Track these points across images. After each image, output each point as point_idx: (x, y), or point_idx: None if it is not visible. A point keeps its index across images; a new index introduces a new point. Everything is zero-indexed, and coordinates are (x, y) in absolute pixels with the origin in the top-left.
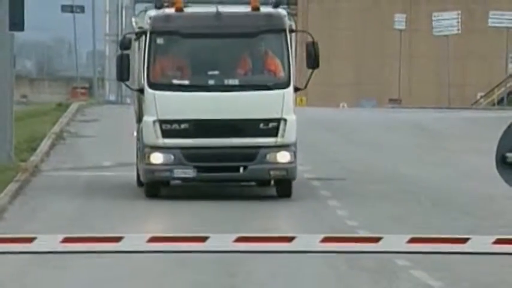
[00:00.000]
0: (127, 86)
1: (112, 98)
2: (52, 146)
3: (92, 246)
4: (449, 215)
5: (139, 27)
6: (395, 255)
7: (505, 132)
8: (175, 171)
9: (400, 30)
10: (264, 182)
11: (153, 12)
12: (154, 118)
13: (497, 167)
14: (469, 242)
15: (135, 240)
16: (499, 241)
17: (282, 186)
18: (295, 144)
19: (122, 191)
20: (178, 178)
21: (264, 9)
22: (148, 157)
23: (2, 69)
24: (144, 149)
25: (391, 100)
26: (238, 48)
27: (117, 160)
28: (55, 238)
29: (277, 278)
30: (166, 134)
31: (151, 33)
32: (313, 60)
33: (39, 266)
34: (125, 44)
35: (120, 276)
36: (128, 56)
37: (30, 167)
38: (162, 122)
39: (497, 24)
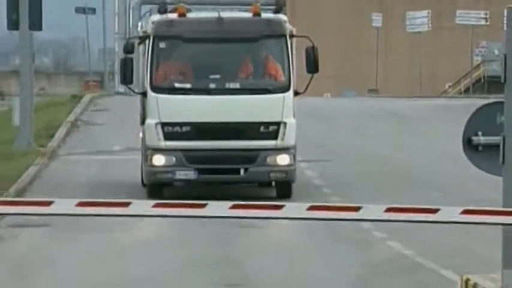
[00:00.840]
0: (130, 89)
1: (121, 89)
2: (68, 133)
3: (103, 210)
4: (422, 192)
5: (144, 32)
6: (373, 227)
7: (470, 118)
8: (177, 173)
9: (377, 28)
10: (264, 184)
11: (156, 17)
12: (157, 121)
13: (464, 150)
14: (439, 212)
15: (141, 205)
16: (465, 212)
17: (282, 188)
18: (294, 147)
19: (125, 189)
20: (179, 180)
21: (265, 15)
22: (151, 159)
23: (23, 64)
24: (146, 151)
25: (370, 90)
26: (239, 53)
27: (125, 145)
28: (71, 202)
29: (268, 247)
30: (168, 136)
31: (154, 37)
32: (312, 64)
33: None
34: (128, 48)
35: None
36: (131, 59)
37: (48, 152)
38: (164, 124)
39: (463, 22)
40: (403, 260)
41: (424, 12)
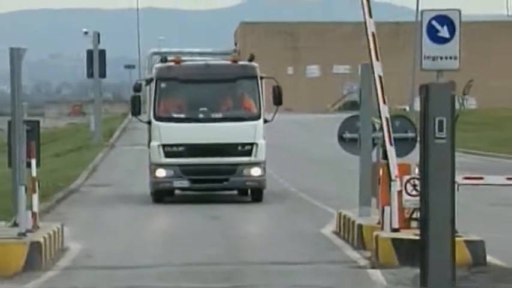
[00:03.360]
0: (139, 119)
1: None
2: (120, 134)
3: None
4: (314, 163)
5: (149, 77)
6: (290, 186)
7: (342, 123)
8: (174, 182)
9: (290, 75)
10: (242, 192)
11: (158, 65)
12: (159, 143)
13: (338, 141)
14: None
15: None
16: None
17: (255, 194)
18: (264, 162)
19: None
20: (176, 188)
21: (241, 62)
22: (154, 172)
23: (96, 96)
24: (151, 166)
25: (287, 109)
26: (221, 91)
27: None
28: None
29: (243, 218)
30: (167, 154)
31: (156, 79)
32: (277, 99)
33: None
34: (136, 88)
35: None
36: (139, 97)
37: (110, 145)
38: (164, 145)
39: (337, 71)
40: (306, 203)
41: (316, 66)
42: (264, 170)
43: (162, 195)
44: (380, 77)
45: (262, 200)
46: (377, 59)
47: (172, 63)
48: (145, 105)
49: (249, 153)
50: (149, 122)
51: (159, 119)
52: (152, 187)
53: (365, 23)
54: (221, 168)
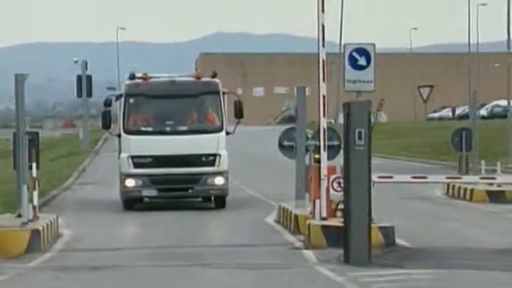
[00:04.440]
0: (109, 132)
1: None
2: (103, 142)
3: None
4: (261, 165)
5: (120, 93)
6: (240, 184)
7: (282, 133)
8: (142, 191)
9: (240, 94)
10: (206, 199)
11: (127, 81)
12: (128, 154)
13: (279, 147)
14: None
15: None
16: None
17: (218, 201)
18: (227, 171)
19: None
20: (145, 196)
21: (204, 79)
22: (124, 181)
23: (84, 112)
24: (121, 176)
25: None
26: (186, 105)
27: None
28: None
29: (202, 210)
30: (136, 165)
31: (125, 95)
32: (238, 112)
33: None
34: (107, 103)
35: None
36: (109, 111)
37: (95, 151)
38: (133, 157)
39: (278, 92)
40: (253, 197)
41: (261, 88)
42: (226, 179)
43: (131, 203)
44: (324, 96)
45: (225, 207)
46: (323, 80)
47: (140, 80)
48: (116, 120)
49: (212, 163)
50: (119, 135)
51: (128, 132)
52: (122, 196)
53: (318, 52)
54: (186, 177)
